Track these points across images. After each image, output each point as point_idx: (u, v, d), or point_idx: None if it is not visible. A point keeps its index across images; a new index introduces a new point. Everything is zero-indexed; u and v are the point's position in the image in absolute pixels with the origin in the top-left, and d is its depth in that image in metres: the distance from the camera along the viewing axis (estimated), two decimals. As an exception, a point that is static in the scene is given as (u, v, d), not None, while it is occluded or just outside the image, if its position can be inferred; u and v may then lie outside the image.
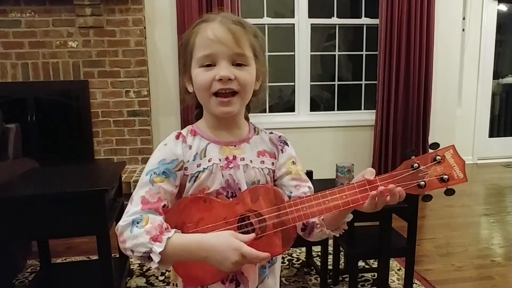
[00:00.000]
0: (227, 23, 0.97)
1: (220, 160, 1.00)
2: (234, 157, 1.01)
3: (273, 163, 1.06)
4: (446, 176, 0.89)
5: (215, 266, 0.90)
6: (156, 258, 0.88)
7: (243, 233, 0.93)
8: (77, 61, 3.80)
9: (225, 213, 0.95)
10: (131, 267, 2.66)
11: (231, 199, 0.99)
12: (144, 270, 2.67)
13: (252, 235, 0.92)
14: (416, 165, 0.90)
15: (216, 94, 0.97)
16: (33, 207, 1.90)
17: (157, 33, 3.94)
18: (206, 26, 0.98)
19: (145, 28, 3.87)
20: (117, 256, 2.35)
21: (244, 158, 1.01)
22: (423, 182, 0.89)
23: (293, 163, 1.07)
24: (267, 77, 1.09)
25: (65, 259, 2.87)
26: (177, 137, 1.02)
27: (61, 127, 3.94)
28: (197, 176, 0.98)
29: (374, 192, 0.89)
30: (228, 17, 0.99)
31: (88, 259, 2.85)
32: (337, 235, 1.02)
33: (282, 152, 1.07)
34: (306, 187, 1.06)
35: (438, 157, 0.90)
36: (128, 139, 3.96)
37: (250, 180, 1.00)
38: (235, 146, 1.03)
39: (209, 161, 0.99)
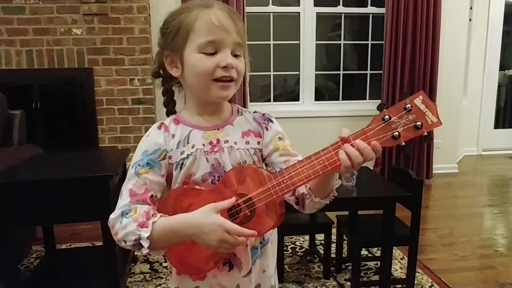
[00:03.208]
0: (226, 10, 0.97)
1: (203, 145, 1.00)
2: (218, 141, 1.01)
3: (259, 142, 1.05)
4: (419, 123, 0.86)
5: (200, 245, 0.91)
6: (145, 244, 0.90)
7: (232, 215, 0.94)
8: (81, 48, 3.79)
9: (214, 197, 0.95)
10: (135, 253, 2.67)
11: (217, 183, 0.99)
12: (148, 256, 2.68)
13: (233, 199, 0.93)
14: (387, 117, 0.87)
15: (217, 80, 0.96)
16: (38, 193, 1.91)
17: (161, 20, 3.89)
18: (208, 11, 0.96)
19: (149, 15, 3.85)
20: (121, 242, 2.36)
21: (228, 140, 1.01)
22: (396, 133, 0.87)
23: (280, 138, 1.06)
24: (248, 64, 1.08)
25: (70, 245, 2.90)
26: (159, 127, 1.02)
27: (66, 115, 3.93)
28: (182, 164, 0.99)
29: (341, 151, 0.87)
30: (222, 5, 0.99)
31: (92, 245, 2.87)
32: (328, 202, 1.00)
33: (267, 129, 1.06)
34: (296, 161, 1.04)
35: (408, 106, 0.86)
36: (133, 127, 3.96)
37: (236, 162, 1.00)
38: (218, 129, 1.03)
39: (192, 147, 0.99)
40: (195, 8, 0.98)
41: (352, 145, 0.87)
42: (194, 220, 0.91)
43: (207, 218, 0.89)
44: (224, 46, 0.95)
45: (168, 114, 1.08)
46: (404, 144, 0.88)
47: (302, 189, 1.00)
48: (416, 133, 0.87)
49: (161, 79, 1.07)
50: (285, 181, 0.92)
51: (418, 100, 0.87)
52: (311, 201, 0.98)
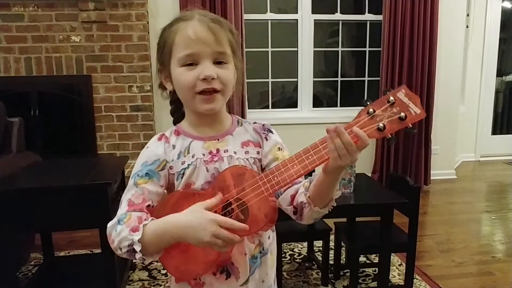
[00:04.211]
0: (206, 21, 0.98)
1: (203, 154, 1.01)
2: (218, 150, 1.02)
3: (258, 152, 1.06)
4: (403, 114, 0.88)
5: (194, 244, 0.91)
6: (137, 248, 0.90)
7: (224, 216, 0.94)
8: (80, 55, 3.80)
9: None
10: (134, 260, 2.66)
11: (212, 185, 0.99)
12: (146, 263, 2.68)
13: (219, 195, 0.94)
14: (371, 110, 0.88)
15: (200, 92, 0.98)
16: (36, 200, 1.91)
17: (160, 28, 3.89)
18: (186, 25, 0.98)
19: (148, 22, 3.86)
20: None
21: (227, 150, 1.03)
22: (381, 125, 0.88)
23: (279, 149, 1.08)
24: (244, 71, 1.08)
25: (68, 253, 2.89)
26: (159, 138, 1.04)
27: (64, 122, 3.94)
28: (183, 173, 1.00)
29: (327, 136, 0.87)
30: (205, 15, 1.00)
31: (91, 252, 2.86)
32: (326, 212, 1.00)
33: (267, 140, 1.08)
34: None
35: (391, 99, 0.88)
36: (131, 134, 3.96)
37: None
38: (218, 139, 1.04)
39: (192, 156, 1.01)
40: (176, 22, 1.00)
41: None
42: (184, 219, 0.91)
43: (197, 215, 0.90)
44: (202, 58, 0.96)
45: (175, 123, 1.10)
46: (390, 136, 0.89)
47: (302, 198, 1.00)
48: (401, 125, 0.88)
49: (168, 90, 1.08)
50: (275, 177, 0.93)
51: (401, 94, 0.89)
52: (310, 209, 0.98)
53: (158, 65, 1.05)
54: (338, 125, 0.87)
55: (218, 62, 0.98)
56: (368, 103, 0.90)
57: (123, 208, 0.97)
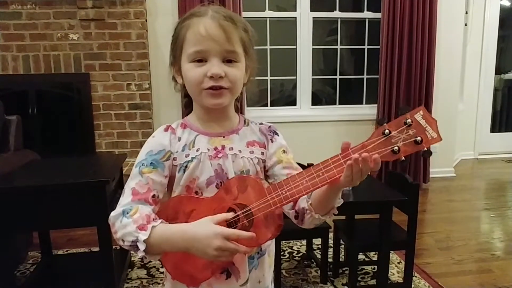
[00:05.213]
0: (218, 18, 0.97)
1: (208, 150, 1.01)
2: (223, 147, 1.02)
3: (262, 153, 1.06)
4: (419, 138, 0.87)
5: (199, 256, 0.90)
6: (141, 247, 0.90)
7: (230, 224, 0.93)
8: (78, 53, 3.79)
9: (214, 206, 0.96)
10: (132, 259, 2.67)
11: (218, 191, 0.99)
12: (145, 262, 2.67)
13: (230, 214, 0.93)
14: (387, 131, 0.87)
15: (207, 88, 0.98)
16: (34, 199, 1.90)
17: (158, 25, 3.92)
18: (198, 21, 0.98)
19: (146, 20, 3.85)
20: (118, 247, 2.35)
21: (232, 148, 1.03)
22: (396, 147, 0.87)
23: (284, 151, 1.08)
24: (255, 70, 1.09)
25: (66, 251, 2.88)
26: (166, 129, 1.04)
27: (62, 120, 3.93)
28: (186, 166, 1.00)
29: (349, 162, 0.87)
30: (219, 12, 0.99)
31: (89, 250, 2.86)
32: (327, 219, 1.01)
33: (272, 141, 1.08)
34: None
35: (408, 120, 0.87)
36: (130, 132, 3.95)
37: (239, 170, 1.01)
38: (224, 137, 1.04)
39: (197, 150, 1.01)
40: (189, 17, 1.00)
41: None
42: (191, 231, 0.90)
43: (203, 228, 0.89)
44: (211, 55, 0.96)
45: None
46: (403, 159, 0.88)
47: (303, 204, 1.00)
48: (415, 148, 0.87)
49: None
50: (284, 192, 0.92)
51: (419, 115, 0.88)
52: (311, 216, 0.99)
53: (171, 58, 1.06)
54: (365, 155, 0.86)
55: (227, 61, 0.98)
56: (385, 122, 0.89)
57: (126, 197, 0.96)
